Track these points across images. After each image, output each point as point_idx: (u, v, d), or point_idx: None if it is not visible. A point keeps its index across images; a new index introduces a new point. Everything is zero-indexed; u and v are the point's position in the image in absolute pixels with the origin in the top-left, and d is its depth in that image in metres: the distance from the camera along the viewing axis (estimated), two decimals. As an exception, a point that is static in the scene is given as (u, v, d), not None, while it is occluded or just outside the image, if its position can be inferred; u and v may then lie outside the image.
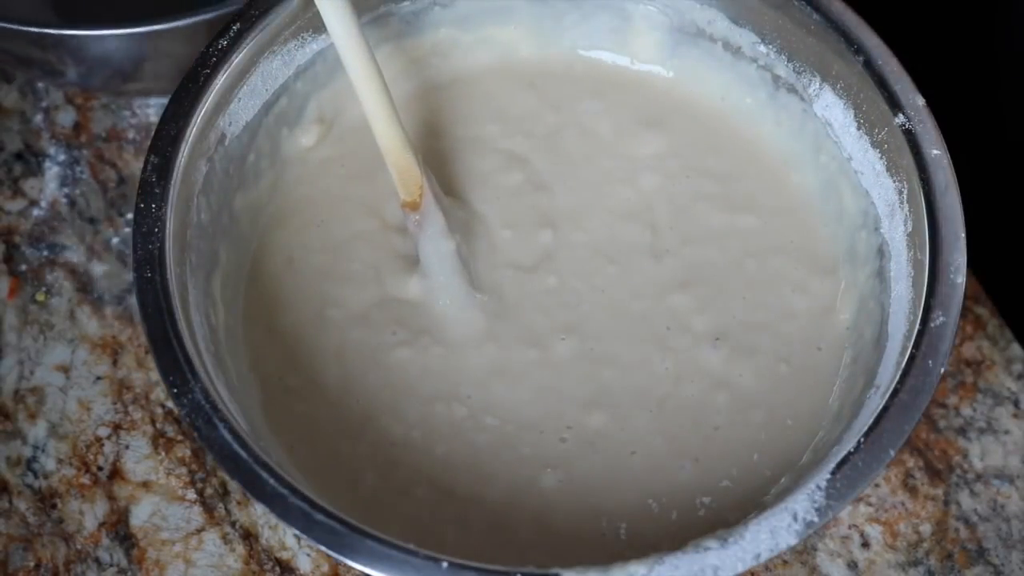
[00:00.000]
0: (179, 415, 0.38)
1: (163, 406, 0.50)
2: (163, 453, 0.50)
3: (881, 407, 0.38)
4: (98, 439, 0.50)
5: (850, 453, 0.37)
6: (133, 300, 0.53)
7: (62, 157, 0.56)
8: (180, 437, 0.50)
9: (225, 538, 0.48)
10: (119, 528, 0.48)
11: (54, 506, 0.49)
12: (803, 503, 0.36)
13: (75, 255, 0.54)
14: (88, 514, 0.48)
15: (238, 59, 0.44)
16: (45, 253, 0.54)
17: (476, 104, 0.50)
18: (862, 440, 0.37)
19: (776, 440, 0.43)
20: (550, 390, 0.44)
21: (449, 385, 0.44)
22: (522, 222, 0.48)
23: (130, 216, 0.54)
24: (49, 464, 0.49)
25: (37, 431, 0.50)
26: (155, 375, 0.51)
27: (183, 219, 0.42)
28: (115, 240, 0.54)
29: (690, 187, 0.48)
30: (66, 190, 0.55)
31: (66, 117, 0.57)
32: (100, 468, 0.49)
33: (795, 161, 0.48)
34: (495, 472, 0.43)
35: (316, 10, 0.44)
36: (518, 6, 0.49)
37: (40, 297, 0.53)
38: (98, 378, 0.51)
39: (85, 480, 0.49)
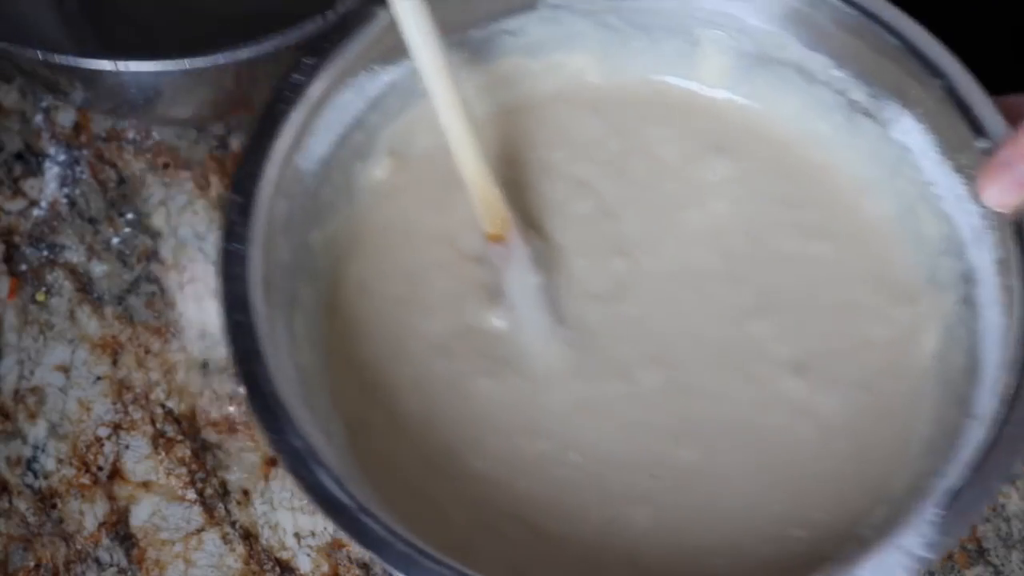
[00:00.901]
0: (279, 461, 0.38)
1: (163, 406, 0.50)
2: (163, 453, 0.49)
3: (988, 440, 0.37)
4: (98, 439, 0.50)
5: (958, 487, 0.36)
6: (133, 300, 0.53)
7: (62, 157, 0.56)
8: (180, 437, 0.50)
9: (225, 538, 0.48)
10: (119, 528, 0.48)
11: (54, 506, 0.49)
12: (913, 539, 0.36)
13: (75, 255, 0.54)
14: (88, 514, 0.48)
15: (313, 93, 0.43)
16: (45, 253, 0.54)
17: (543, 131, 0.50)
18: (970, 474, 0.36)
19: (865, 470, 0.43)
20: (637, 425, 0.43)
21: (531, 419, 0.43)
22: (595, 251, 0.47)
23: (130, 216, 0.54)
24: (49, 464, 0.49)
25: (37, 431, 0.50)
26: (155, 375, 0.51)
27: (266, 259, 0.41)
28: (115, 240, 0.54)
29: (763, 213, 0.47)
30: (66, 190, 0.55)
31: (66, 117, 0.56)
32: (100, 468, 0.49)
33: (870, 186, 0.47)
34: (584, 510, 0.42)
35: (387, 41, 0.43)
36: (587, 33, 0.49)
37: (40, 297, 0.53)
38: (98, 378, 0.51)
39: (85, 480, 0.49)
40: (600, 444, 0.43)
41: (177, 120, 0.54)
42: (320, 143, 0.44)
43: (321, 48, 0.44)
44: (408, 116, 0.48)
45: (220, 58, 0.45)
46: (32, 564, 0.47)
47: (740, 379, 0.44)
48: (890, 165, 0.46)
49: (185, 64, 0.45)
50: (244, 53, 0.45)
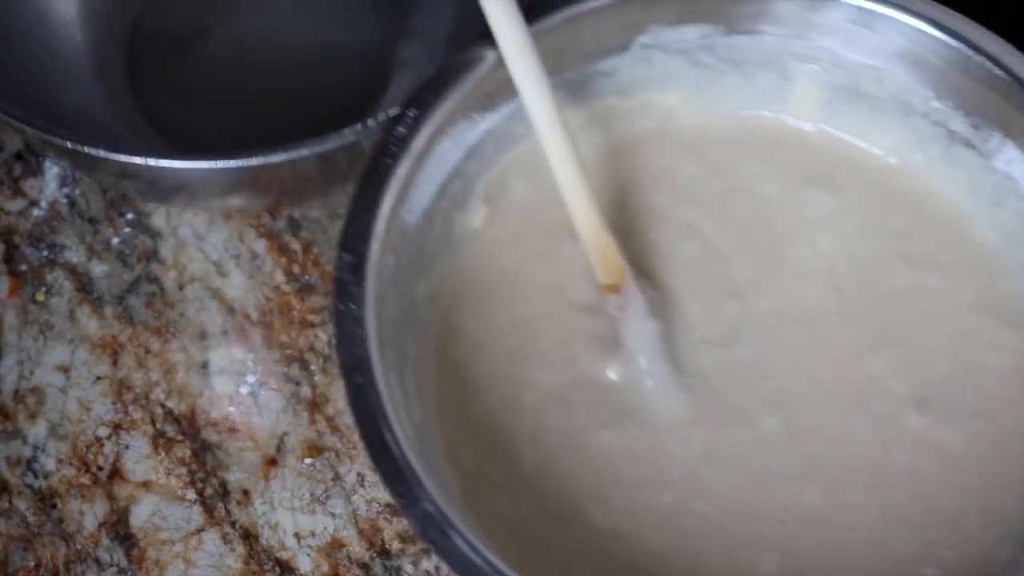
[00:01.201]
0: (410, 527, 0.38)
1: (163, 406, 0.50)
2: (163, 453, 0.49)
3: None
4: (98, 439, 0.50)
5: None
6: (133, 300, 0.53)
7: (62, 157, 0.56)
8: (180, 437, 0.50)
9: (225, 538, 0.48)
10: (119, 528, 0.48)
11: (54, 506, 0.48)
12: None
13: (75, 255, 0.54)
14: (88, 514, 0.48)
15: (416, 146, 0.42)
16: (45, 253, 0.54)
17: (639, 173, 0.49)
18: None
19: (991, 505, 0.42)
20: (761, 471, 0.42)
21: (654, 470, 0.42)
22: (706, 294, 0.46)
23: (130, 216, 0.54)
24: (49, 464, 0.49)
25: (37, 431, 0.50)
26: (155, 375, 0.51)
27: (379, 317, 0.40)
28: (115, 240, 0.54)
29: (868, 245, 0.47)
30: (66, 190, 0.55)
31: (66, 117, 0.57)
32: (100, 468, 0.49)
33: (972, 215, 0.46)
34: (711, 560, 0.41)
35: (486, 88, 0.43)
36: (680, 71, 0.48)
37: (40, 297, 0.53)
38: (98, 378, 0.51)
39: (85, 480, 0.49)
40: (724, 492, 0.42)
41: (214, 207, 0.55)
42: (422, 195, 0.44)
43: (422, 99, 0.43)
44: (503, 163, 0.47)
45: (253, 159, 0.45)
46: (32, 564, 0.47)
47: (860, 417, 0.43)
48: (993, 194, 0.46)
49: (217, 164, 0.45)
50: (277, 157, 0.45)
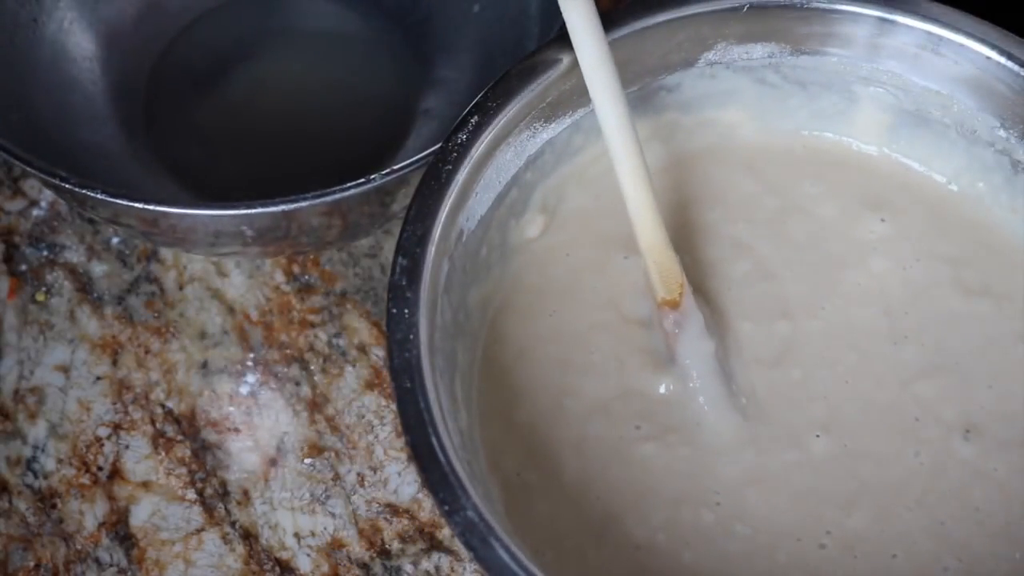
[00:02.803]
0: (452, 533, 0.38)
1: (163, 406, 0.50)
2: (163, 453, 0.49)
3: None
4: (98, 439, 0.50)
5: None
6: (133, 300, 0.53)
7: (62, 157, 0.56)
8: (180, 437, 0.50)
9: (225, 538, 0.48)
10: (119, 528, 0.48)
11: (54, 506, 0.48)
12: None
13: (75, 255, 0.54)
14: (88, 514, 0.48)
15: (476, 153, 0.42)
16: (45, 253, 0.54)
17: (696, 189, 0.48)
18: None
19: None
20: (808, 493, 0.42)
21: (697, 488, 0.42)
22: (758, 313, 0.45)
23: (130, 216, 0.54)
24: (49, 464, 0.49)
25: (37, 431, 0.50)
26: (155, 375, 0.51)
27: (431, 322, 0.39)
28: (115, 240, 0.54)
29: (922, 271, 0.46)
30: (66, 190, 0.55)
31: (66, 117, 0.57)
32: (100, 468, 0.49)
33: None
34: None
35: (551, 99, 0.42)
36: (743, 88, 0.48)
37: (40, 297, 0.53)
38: (98, 378, 0.51)
39: (85, 480, 0.49)
40: (768, 514, 0.41)
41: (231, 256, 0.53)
42: (480, 202, 0.43)
43: (485, 107, 0.42)
44: (561, 173, 0.46)
45: (270, 206, 0.44)
46: (32, 564, 0.47)
47: (910, 443, 0.42)
48: None
49: (228, 212, 0.44)
50: (283, 206, 0.44)
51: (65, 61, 0.54)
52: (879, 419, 0.43)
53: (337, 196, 0.44)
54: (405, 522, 0.48)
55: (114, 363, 0.51)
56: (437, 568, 0.47)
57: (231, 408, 0.50)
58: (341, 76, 0.57)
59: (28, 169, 0.45)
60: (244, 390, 0.50)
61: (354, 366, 0.51)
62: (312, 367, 0.50)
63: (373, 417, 0.50)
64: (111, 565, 0.47)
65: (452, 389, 0.41)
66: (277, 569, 0.47)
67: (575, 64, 0.42)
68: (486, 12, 0.55)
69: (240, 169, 0.54)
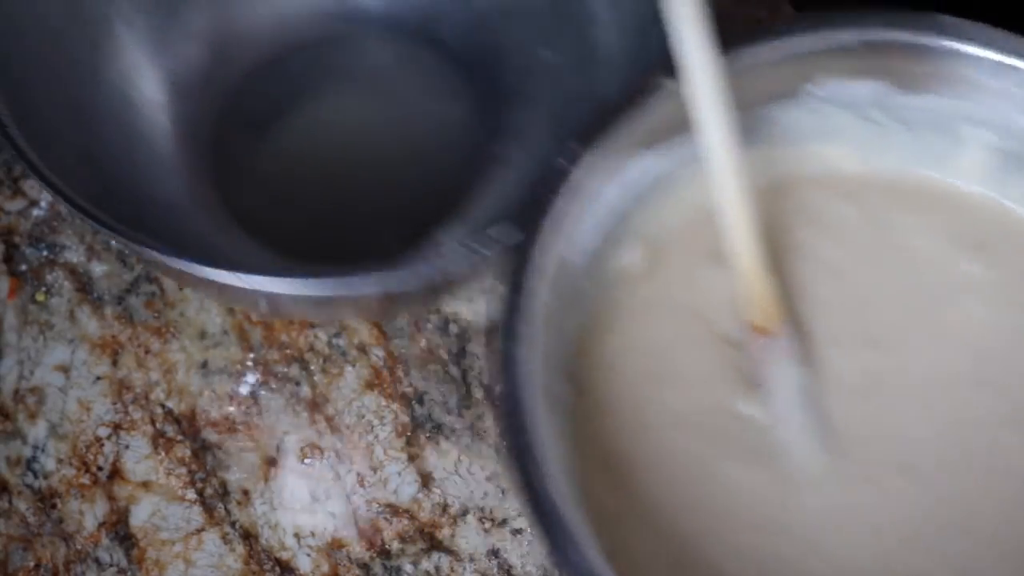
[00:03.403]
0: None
1: (163, 406, 0.50)
2: (163, 453, 0.49)
3: None
4: (98, 439, 0.50)
5: None
6: (133, 300, 0.53)
7: (62, 157, 0.56)
8: (180, 437, 0.50)
9: (225, 538, 0.48)
10: (119, 528, 0.48)
11: (54, 506, 0.48)
12: None
13: (75, 255, 0.54)
14: (88, 514, 0.48)
15: (580, 183, 0.41)
16: (45, 253, 0.54)
17: (791, 213, 0.47)
18: None
19: None
20: (883, 533, 0.41)
21: (776, 517, 0.41)
22: (846, 341, 0.44)
23: (130, 216, 0.54)
24: (49, 464, 0.49)
25: (37, 431, 0.50)
26: (155, 375, 0.51)
27: (532, 354, 0.39)
28: (115, 240, 0.54)
29: (1016, 318, 0.45)
30: (66, 190, 0.55)
31: (66, 117, 0.57)
32: (100, 468, 0.49)
33: None
34: None
35: (655, 126, 0.42)
36: (847, 125, 0.47)
37: (40, 297, 0.53)
38: (98, 378, 0.51)
39: (85, 480, 0.49)
40: (843, 551, 0.40)
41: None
42: (582, 232, 0.43)
43: (589, 136, 0.42)
44: (660, 198, 0.46)
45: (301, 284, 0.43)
46: (32, 564, 0.47)
47: (989, 490, 0.42)
48: None
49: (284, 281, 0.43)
50: (328, 287, 0.43)
51: (129, 111, 0.52)
52: (961, 464, 0.42)
53: (445, 264, 0.43)
54: (405, 522, 0.48)
55: (114, 363, 0.51)
56: (437, 568, 0.47)
57: (231, 408, 0.50)
58: (406, 119, 0.56)
59: (113, 237, 0.43)
60: (244, 390, 0.50)
61: (354, 366, 0.51)
62: (312, 367, 0.50)
63: (373, 417, 0.49)
64: (111, 565, 0.47)
65: (554, 420, 0.40)
66: (277, 569, 0.47)
67: (677, 92, 0.41)
68: (557, 56, 0.54)
69: (304, 218, 0.53)
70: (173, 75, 0.54)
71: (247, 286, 0.42)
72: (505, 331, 0.39)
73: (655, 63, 0.41)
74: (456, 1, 0.56)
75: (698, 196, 0.44)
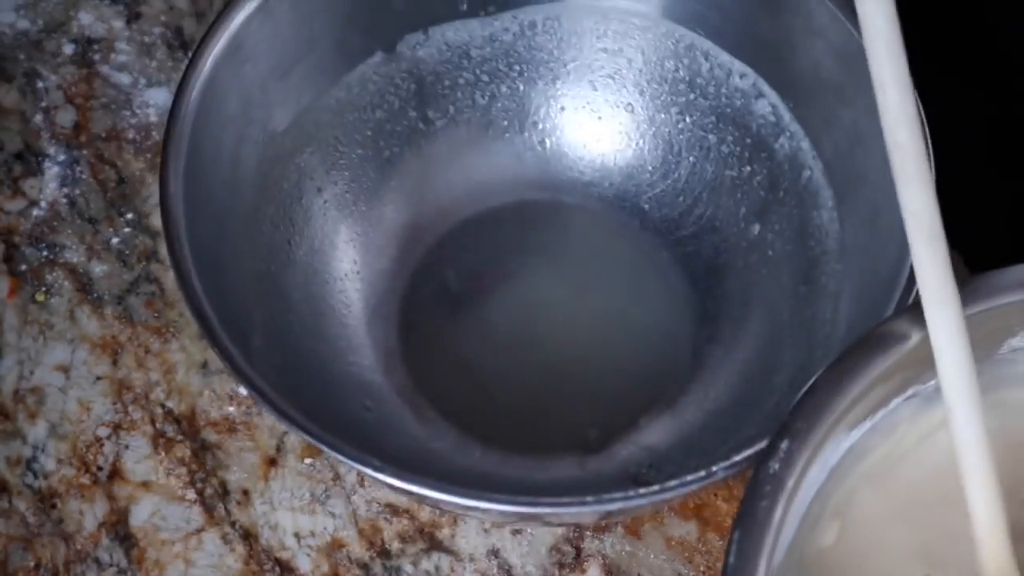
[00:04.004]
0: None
1: (163, 406, 0.50)
2: (163, 453, 0.49)
3: None
4: (98, 439, 0.50)
5: None
6: (133, 300, 0.53)
7: (62, 157, 0.55)
8: (180, 437, 0.50)
9: (225, 538, 0.48)
10: (119, 528, 0.48)
11: (54, 506, 0.48)
12: None
13: (75, 255, 0.54)
14: (88, 514, 0.48)
15: (789, 481, 0.38)
16: (45, 253, 0.54)
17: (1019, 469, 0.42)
18: None
19: None
20: None
21: None
22: None
23: (130, 216, 0.54)
24: (49, 464, 0.49)
25: (37, 431, 0.50)
26: (155, 375, 0.51)
27: None
28: (115, 240, 0.54)
29: None
30: (66, 190, 0.55)
31: (66, 117, 0.56)
32: (100, 468, 0.49)
33: None
34: None
35: (860, 404, 0.39)
36: None
37: (40, 297, 0.53)
38: (98, 378, 0.51)
39: (85, 480, 0.49)
40: None
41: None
42: (789, 528, 0.39)
43: (795, 429, 0.39)
44: (853, 476, 0.42)
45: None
46: (32, 564, 0.47)
47: None
48: None
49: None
50: (541, 508, 0.39)
51: (317, 284, 0.49)
52: None
53: (681, 490, 0.40)
54: (405, 522, 0.48)
55: (114, 363, 0.51)
56: (437, 568, 0.47)
57: (231, 408, 0.50)
58: (605, 297, 0.52)
59: (322, 447, 0.41)
60: (244, 390, 0.50)
61: (354, 366, 0.50)
62: (312, 367, 0.50)
63: (373, 417, 0.49)
64: (111, 565, 0.47)
65: None
66: (277, 569, 0.47)
67: (911, 347, 0.38)
68: (767, 232, 0.50)
69: (501, 400, 0.49)
70: (359, 246, 0.51)
71: (484, 507, 0.39)
72: None
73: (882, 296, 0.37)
74: (656, 172, 0.52)
75: (891, 472, 0.42)
